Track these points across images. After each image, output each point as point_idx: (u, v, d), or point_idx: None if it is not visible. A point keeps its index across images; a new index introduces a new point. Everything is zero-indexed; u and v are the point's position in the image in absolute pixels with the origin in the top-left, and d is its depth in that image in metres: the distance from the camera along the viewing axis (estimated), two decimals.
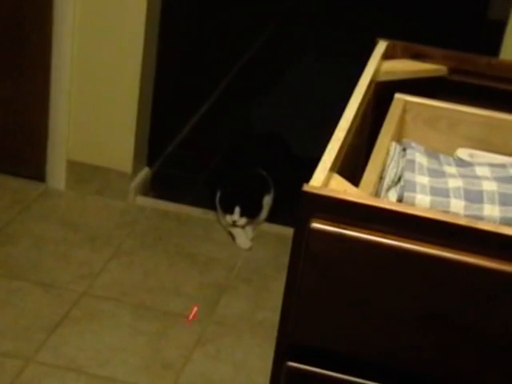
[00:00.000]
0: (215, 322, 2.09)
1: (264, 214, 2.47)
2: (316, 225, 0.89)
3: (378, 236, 0.89)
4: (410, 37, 1.43)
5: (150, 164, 2.66)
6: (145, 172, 2.63)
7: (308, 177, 0.95)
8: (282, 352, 0.94)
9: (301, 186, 0.90)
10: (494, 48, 2.18)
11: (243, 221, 2.38)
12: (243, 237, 2.41)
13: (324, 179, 0.92)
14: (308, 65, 3.83)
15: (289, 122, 3.18)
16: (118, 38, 2.39)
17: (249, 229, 2.44)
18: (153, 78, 2.53)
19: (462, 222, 0.87)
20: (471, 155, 1.16)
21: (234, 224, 2.38)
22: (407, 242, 0.88)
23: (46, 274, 2.18)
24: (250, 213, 2.40)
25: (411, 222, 0.88)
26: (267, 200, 2.46)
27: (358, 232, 0.89)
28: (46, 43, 2.43)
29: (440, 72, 1.27)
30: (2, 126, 2.57)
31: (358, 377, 0.94)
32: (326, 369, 0.94)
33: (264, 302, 2.19)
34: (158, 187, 2.66)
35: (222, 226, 2.46)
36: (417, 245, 0.88)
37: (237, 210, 2.35)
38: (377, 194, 1.03)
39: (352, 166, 1.08)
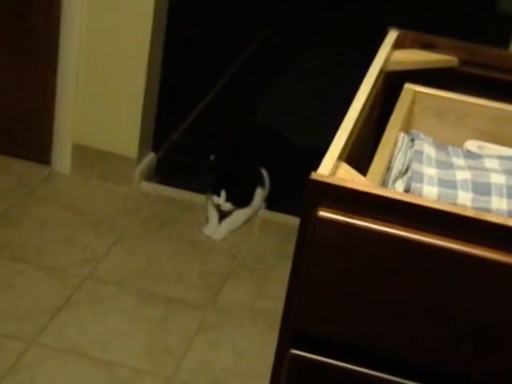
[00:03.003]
0: (217, 309, 2.09)
1: (254, 207, 2.45)
2: (323, 213, 0.88)
3: (385, 226, 0.88)
4: (418, 27, 1.42)
5: (155, 150, 2.66)
6: (150, 158, 2.63)
7: (312, 166, 0.95)
8: (286, 339, 0.94)
9: (304, 175, 0.90)
10: (504, 40, 2.17)
11: (228, 206, 2.36)
12: (214, 225, 2.38)
13: (332, 168, 0.91)
14: (317, 53, 3.81)
15: (295, 111, 3.17)
16: (125, 24, 2.38)
17: (226, 223, 2.39)
18: (160, 64, 2.52)
19: (470, 213, 0.87)
20: (480, 147, 1.15)
21: (218, 208, 2.37)
22: (414, 233, 0.87)
23: (49, 258, 2.18)
24: (237, 201, 2.37)
25: (419, 213, 0.87)
26: (260, 194, 2.44)
27: (365, 221, 0.88)
28: (53, 27, 2.43)
29: (450, 63, 1.26)
30: (8, 110, 2.57)
31: (361, 366, 0.94)
32: (329, 357, 0.94)
33: (266, 290, 2.19)
34: (162, 173, 2.66)
35: (208, 210, 2.41)
36: (424, 236, 0.87)
37: (223, 193, 2.34)
38: (384, 184, 1.03)
39: (360, 156, 1.07)
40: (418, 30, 1.31)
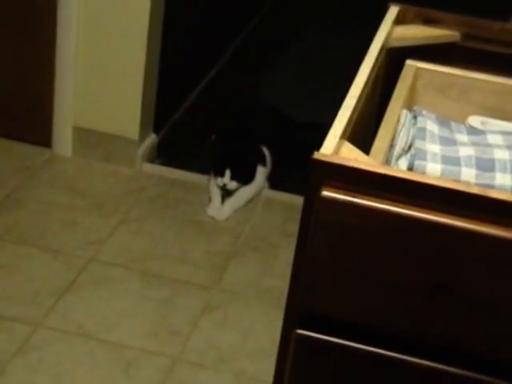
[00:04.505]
0: (222, 289, 2.10)
1: (257, 185, 2.44)
2: (326, 193, 0.88)
3: (389, 204, 0.88)
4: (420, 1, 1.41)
5: (156, 131, 2.65)
6: (151, 139, 2.62)
7: (313, 144, 0.95)
8: (292, 319, 0.94)
9: (305, 153, 0.90)
10: (506, 12, 2.15)
11: (233, 184, 2.36)
12: (218, 206, 2.37)
13: (334, 147, 0.91)
14: (318, 29, 3.79)
15: (296, 89, 3.15)
16: (124, 4, 2.36)
17: (229, 203, 2.39)
18: (159, 43, 2.50)
19: (474, 190, 0.86)
20: (483, 123, 1.14)
21: (224, 187, 2.37)
22: (418, 211, 0.87)
23: (54, 240, 2.19)
24: (242, 178, 2.38)
25: (422, 191, 0.87)
26: (262, 172, 2.44)
27: (369, 200, 0.88)
28: (51, 8, 2.41)
29: (452, 38, 1.25)
30: (8, 92, 2.56)
31: (367, 345, 0.94)
32: (335, 336, 0.94)
33: (271, 269, 2.20)
34: (164, 154, 2.65)
35: (211, 190, 2.41)
36: (428, 213, 0.87)
37: (227, 172, 2.34)
38: (387, 162, 1.02)
39: (362, 134, 1.07)
40: (420, 5, 1.29)
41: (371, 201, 0.88)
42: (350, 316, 0.93)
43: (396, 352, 0.94)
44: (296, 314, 0.93)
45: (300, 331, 0.94)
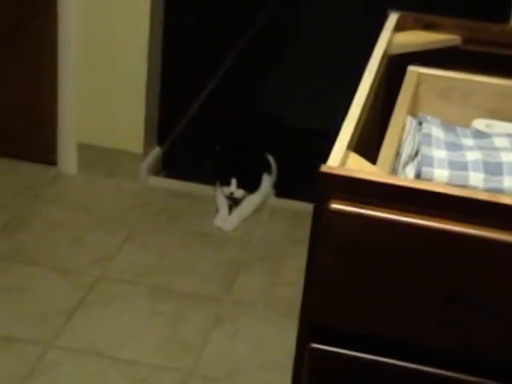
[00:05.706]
0: (232, 300, 2.09)
1: (263, 194, 2.43)
2: (335, 205, 0.87)
3: (398, 214, 0.87)
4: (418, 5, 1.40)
5: (160, 143, 2.65)
6: (156, 152, 2.62)
7: (316, 150, 0.94)
8: (305, 334, 0.93)
9: (309, 159, 0.89)
10: (505, 13, 2.15)
11: (240, 193, 2.36)
12: (225, 216, 2.37)
13: (341, 158, 0.90)
14: (313, 33, 3.79)
15: (296, 95, 3.15)
16: (124, 18, 2.37)
17: (236, 212, 2.39)
18: (160, 56, 2.51)
19: (484, 196, 0.86)
20: (488, 125, 1.13)
21: (231, 196, 2.36)
22: (427, 220, 0.86)
23: (61, 259, 2.18)
24: (248, 186, 2.37)
25: (431, 199, 0.86)
26: (267, 180, 2.44)
27: (377, 211, 0.87)
28: (51, 26, 2.42)
29: (453, 42, 1.24)
30: (11, 112, 2.56)
31: (382, 356, 0.93)
32: (350, 349, 0.93)
33: (280, 278, 2.19)
34: (169, 167, 2.65)
35: (217, 201, 2.41)
36: (437, 222, 0.86)
37: (233, 181, 2.34)
38: (394, 170, 1.02)
39: (367, 143, 1.06)
40: (418, 10, 1.29)
41: (380, 211, 0.87)
42: (363, 328, 0.92)
43: (410, 362, 0.93)
44: (309, 328, 0.93)
45: (314, 345, 0.93)
